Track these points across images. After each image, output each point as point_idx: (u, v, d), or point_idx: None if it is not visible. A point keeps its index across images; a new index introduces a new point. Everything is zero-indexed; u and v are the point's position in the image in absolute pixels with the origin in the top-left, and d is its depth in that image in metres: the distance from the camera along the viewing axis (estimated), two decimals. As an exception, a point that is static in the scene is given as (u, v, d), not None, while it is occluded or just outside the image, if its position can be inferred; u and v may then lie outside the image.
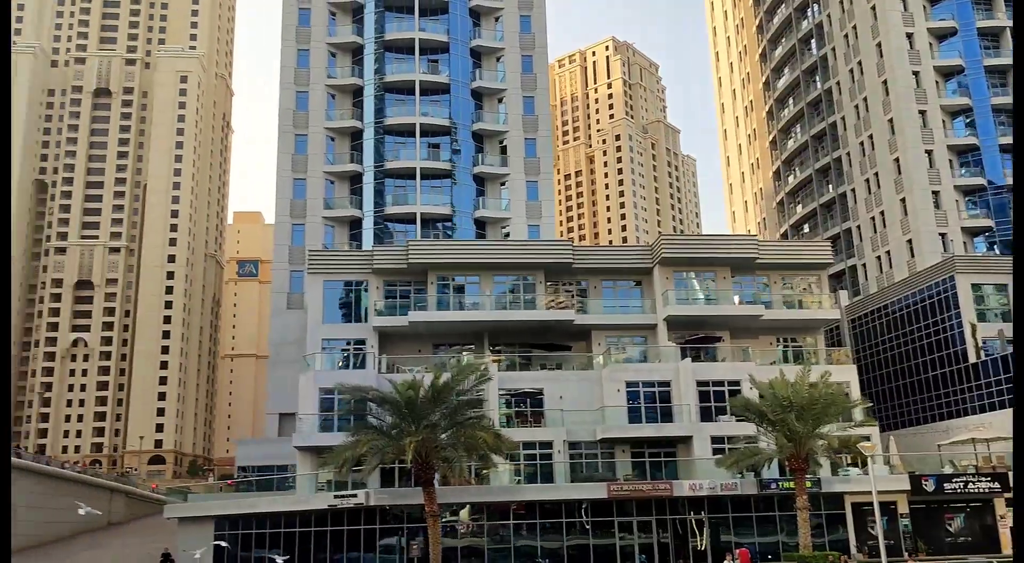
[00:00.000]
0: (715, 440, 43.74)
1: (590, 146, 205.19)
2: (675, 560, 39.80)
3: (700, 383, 45.92)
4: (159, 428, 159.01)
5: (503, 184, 65.82)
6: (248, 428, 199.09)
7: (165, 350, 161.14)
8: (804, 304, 51.53)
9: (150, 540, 62.50)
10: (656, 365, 47.47)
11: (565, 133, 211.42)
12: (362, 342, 49.09)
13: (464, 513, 39.32)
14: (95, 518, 70.69)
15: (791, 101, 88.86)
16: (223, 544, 40.18)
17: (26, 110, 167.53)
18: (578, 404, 45.65)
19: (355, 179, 64.93)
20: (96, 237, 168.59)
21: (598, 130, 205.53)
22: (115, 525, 73.03)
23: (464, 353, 49.64)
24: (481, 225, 64.75)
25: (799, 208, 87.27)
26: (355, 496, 37.78)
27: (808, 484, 37.82)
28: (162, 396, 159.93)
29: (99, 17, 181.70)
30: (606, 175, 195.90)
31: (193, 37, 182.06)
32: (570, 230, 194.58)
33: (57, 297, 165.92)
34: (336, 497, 38.16)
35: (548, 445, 44.32)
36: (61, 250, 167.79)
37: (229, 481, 53.62)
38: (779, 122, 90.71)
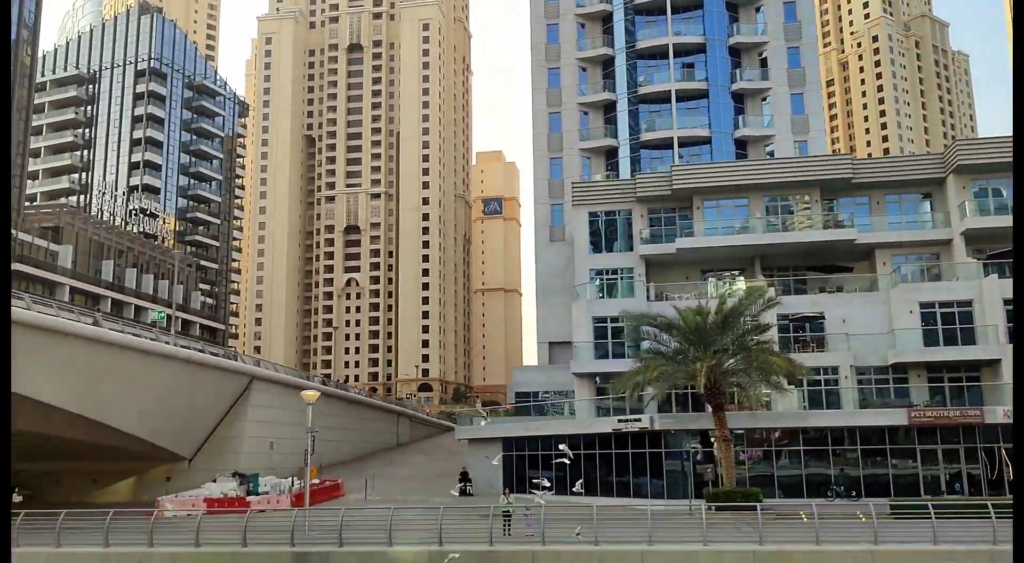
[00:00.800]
0: (1028, 363, 39.36)
1: (843, 51, 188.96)
2: (988, 491, 36.66)
3: (1008, 301, 41.33)
4: (424, 359, 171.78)
5: (764, 100, 62.31)
6: (500, 358, 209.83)
7: (425, 287, 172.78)
8: None
9: (435, 459, 68.07)
10: (954, 284, 43.29)
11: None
12: (629, 271, 49.24)
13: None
14: (386, 439, 78.22)
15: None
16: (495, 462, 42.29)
17: (292, 72, 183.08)
18: (864, 328, 42.94)
19: (608, 108, 64.44)
20: (359, 185, 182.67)
21: (852, 33, 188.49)
22: (401, 446, 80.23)
23: (735, 279, 48.28)
24: (742, 145, 61.96)
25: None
26: (639, 420, 38.34)
27: None
28: (425, 329, 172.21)
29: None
30: (862, 82, 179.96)
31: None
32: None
33: (330, 242, 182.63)
34: (620, 421, 38.96)
35: (832, 370, 42.27)
36: (330, 199, 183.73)
37: (508, 406, 56.58)
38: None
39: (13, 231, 74.64)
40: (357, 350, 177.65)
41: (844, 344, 42.61)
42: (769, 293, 34.50)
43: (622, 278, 48.84)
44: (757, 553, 22.22)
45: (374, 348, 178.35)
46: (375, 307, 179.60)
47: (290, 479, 45.47)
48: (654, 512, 24.52)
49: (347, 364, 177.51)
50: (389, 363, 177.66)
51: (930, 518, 22.93)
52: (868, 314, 43.37)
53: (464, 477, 41.67)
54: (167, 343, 47.00)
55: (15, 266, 69.45)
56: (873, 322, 42.94)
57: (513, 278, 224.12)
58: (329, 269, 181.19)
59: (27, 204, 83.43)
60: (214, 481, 43.91)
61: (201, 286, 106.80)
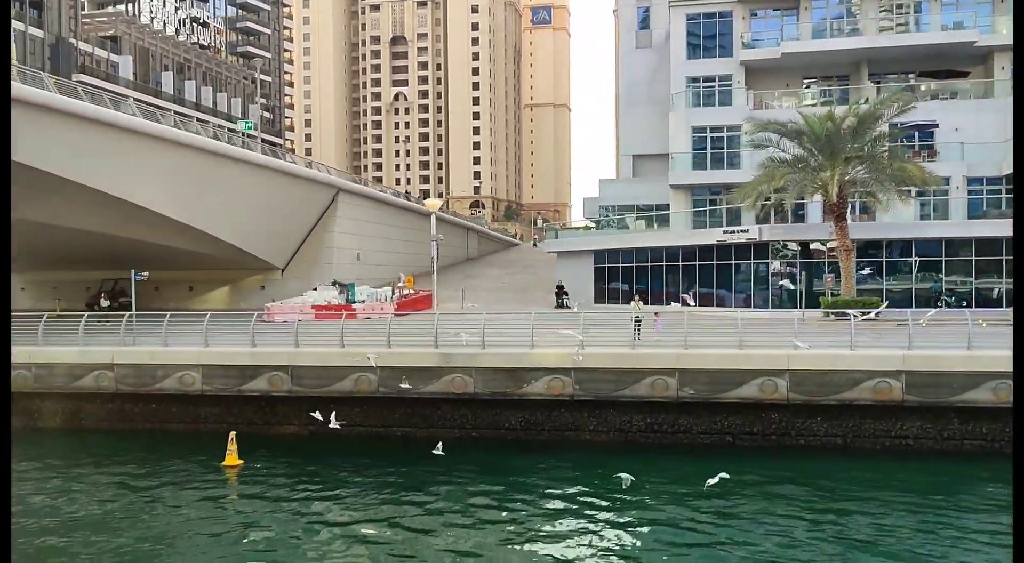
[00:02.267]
0: None
1: None
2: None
3: None
4: (476, 175, 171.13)
5: None
6: (549, 175, 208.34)
7: (475, 101, 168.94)
8: None
9: (509, 272, 69.04)
10: (1082, 89, 40.58)
11: None
12: (727, 78, 46.89)
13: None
14: (456, 253, 79.21)
15: None
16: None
17: None
18: (978, 136, 41.09)
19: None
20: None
21: None
22: (471, 260, 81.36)
23: (838, 86, 45.92)
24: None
25: None
26: (746, 231, 37.77)
27: None
28: (476, 145, 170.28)
29: None
30: None
31: None
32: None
33: (376, 54, 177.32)
34: (726, 232, 38.44)
35: (943, 181, 40.89)
36: (375, 7, 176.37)
37: (593, 220, 56.19)
38: None
39: (72, 40, 72.94)
40: (408, 167, 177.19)
41: (957, 153, 40.93)
42: (903, 98, 32.66)
43: (720, 86, 46.60)
44: (907, 358, 22.19)
45: (424, 165, 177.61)
46: (424, 122, 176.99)
47: (387, 288, 46.44)
48: (763, 320, 24.39)
49: (397, 181, 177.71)
50: (440, 180, 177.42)
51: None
52: (983, 122, 41.35)
53: (560, 291, 42.04)
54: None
55: (79, 77, 68.33)
56: (988, 131, 40.96)
57: (562, 93, 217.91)
58: (376, 83, 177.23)
59: (82, 12, 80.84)
60: (315, 289, 44.96)
61: (259, 99, 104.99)
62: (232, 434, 21.77)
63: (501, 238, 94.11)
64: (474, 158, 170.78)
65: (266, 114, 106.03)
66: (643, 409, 23.66)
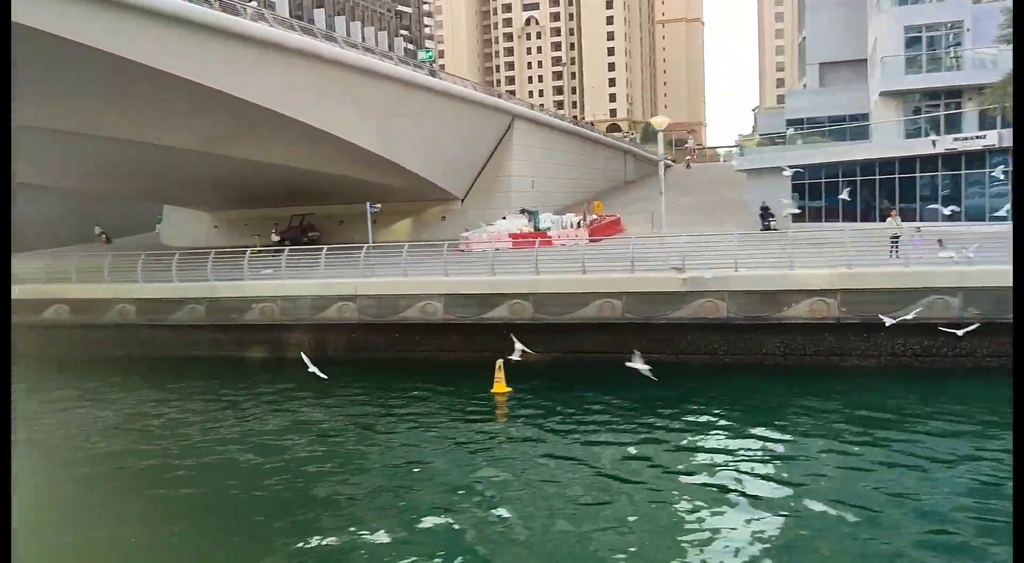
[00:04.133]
0: None
1: None
2: None
3: None
4: (611, 98, 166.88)
5: None
6: (683, 94, 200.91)
7: (609, 20, 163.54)
8: None
9: (678, 193, 66.68)
10: None
11: None
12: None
13: None
14: (615, 176, 77.47)
15: None
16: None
17: None
18: None
19: None
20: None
21: None
22: (629, 183, 79.41)
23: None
24: None
25: None
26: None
27: None
28: (611, 67, 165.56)
29: None
30: None
31: None
32: None
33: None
34: (956, 140, 35.22)
35: None
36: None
37: (773, 135, 53.12)
38: None
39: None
40: (541, 93, 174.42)
41: None
42: None
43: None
44: None
45: (557, 90, 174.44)
46: (556, 46, 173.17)
47: (570, 214, 45.63)
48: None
49: (531, 108, 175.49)
50: (574, 105, 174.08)
51: None
52: None
53: (766, 212, 39.90)
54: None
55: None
56: None
57: (695, 6, 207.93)
58: (507, 8, 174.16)
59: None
60: (503, 218, 44.67)
61: (401, 32, 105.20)
62: (499, 362, 21.64)
63: (655, 159, 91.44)
64: (609, 80, 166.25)
65: (409, 46, 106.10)
66: (920, 332, 21.99)
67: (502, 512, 13.86)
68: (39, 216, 57.25)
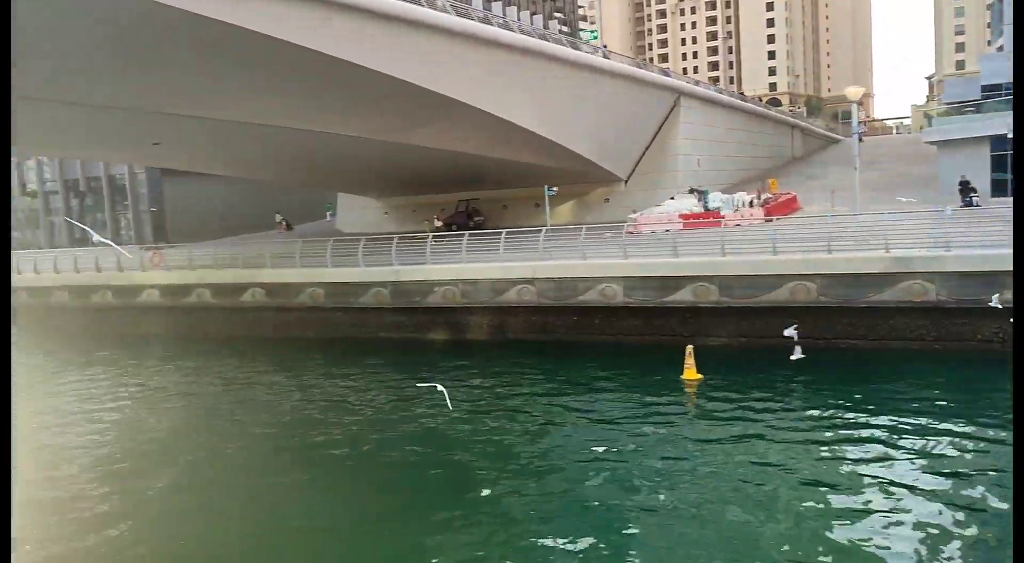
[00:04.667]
0: None
1: None
2: None
3: None
4: (771, 71, 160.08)
5: None
6: (846, 64, 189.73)
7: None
8: None
9: (848, 169, 63.06)
10: None
11: None
12: None
13: None
14: (781, 152, 74.14)
15: None
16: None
17: None
18: None
19: None
20: None
21: None
22: (797, 159, 75.76)
23: None
24: None
25: None
26: None
27: None
28: (771, 39, 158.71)
29: None
30: None
31: None
32: None
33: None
34: None
35: None
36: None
37: (960, 103, 48.97)
38: None
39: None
40: (696, 69, 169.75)
41: None
42: None
43: None
44: None
45: (713, 66, 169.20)
46: (712, 20, 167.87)
47: (741, 193, 43.95)
48: None
49: (696, 84, 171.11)
50: (731, 80, 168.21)
51: None
52: None
53: (966, 187, 36.66)
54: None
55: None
56: None
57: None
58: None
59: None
60: (671, 199, 43.65)
61: (555, 14, 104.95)
62: (689, 347, 21.03)
63: (826, 134, 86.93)
64: (768, 53, 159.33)
65: (564, 28, 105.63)
66: None
67: (705, 512, 13.23)
68: (226, 205, 61.40)
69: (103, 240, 21.91)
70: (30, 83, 23.41)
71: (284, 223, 59.61)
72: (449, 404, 15.73)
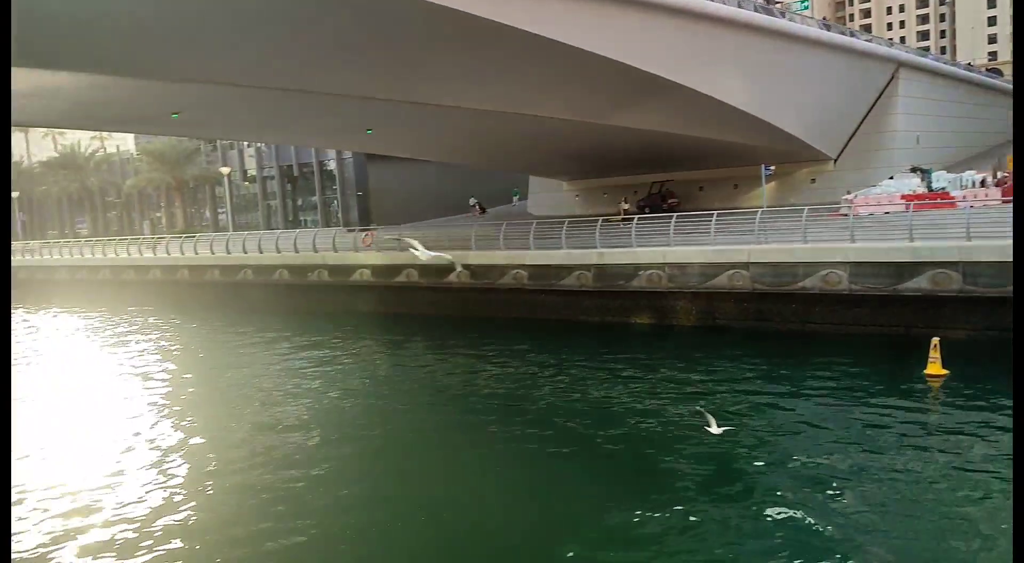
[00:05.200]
0: None
1: None
2: None
3: None
4: (991, 39, 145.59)
5: None
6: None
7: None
8: None
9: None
10: None
11: None
12: None
13: None
14: (1000, 128, 67.09)
15: None
16: None
17: None
18: None
19: None
20: None
21: None
22: None
23: None
24: None
25: None
26: None
27: None
28: (991, 2, 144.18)
29: None
30: None
31: None
32: None
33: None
34: None
35: None
36: None
37: None
38: None
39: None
40: (903, 39, 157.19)
41: None
42: None
43: None
44: None
45: (923, 36, 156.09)
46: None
47: (970, 172, 40.04)
48: None
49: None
50: (942, 50, 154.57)
51: None
52: None
53: None
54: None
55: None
56: None
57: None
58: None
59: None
60: (890, 179, 40.50)
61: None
62: (935, 340, 19.16)
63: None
64: (988, 18, 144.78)
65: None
66: None
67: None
68: (423, 189, 63.61)
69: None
70: (285, 76, 25.16)
71: (478, 206, 60.93)
72: (714, 427, 14.28)
